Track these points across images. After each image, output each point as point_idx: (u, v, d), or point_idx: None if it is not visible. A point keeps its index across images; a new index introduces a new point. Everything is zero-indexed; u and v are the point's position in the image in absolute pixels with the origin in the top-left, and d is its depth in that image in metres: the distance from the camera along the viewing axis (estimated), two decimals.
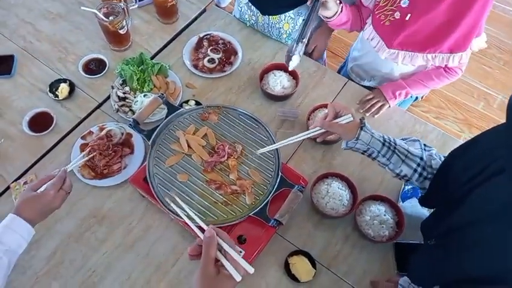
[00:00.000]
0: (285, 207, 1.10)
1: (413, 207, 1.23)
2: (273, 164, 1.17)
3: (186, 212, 0.87)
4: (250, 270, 0.68)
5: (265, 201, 1.10)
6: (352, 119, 1.02)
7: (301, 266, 1.13)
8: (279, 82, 1.42)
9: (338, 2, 1.31)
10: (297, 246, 1.18)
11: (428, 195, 1.02)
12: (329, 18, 1.35)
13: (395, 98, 1.43)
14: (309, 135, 1.07)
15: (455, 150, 0.96)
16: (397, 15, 1.29)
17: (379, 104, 1.44)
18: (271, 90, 1.42)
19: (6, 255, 0.87)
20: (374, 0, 1.36)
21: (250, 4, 1.55)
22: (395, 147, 1.02)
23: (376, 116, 1.43)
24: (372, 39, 1.41)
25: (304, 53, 1.59)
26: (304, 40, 1.19)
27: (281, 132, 1.39)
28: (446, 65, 1.34)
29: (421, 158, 1.02)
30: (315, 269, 1.13)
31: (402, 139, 1.08)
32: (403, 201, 1.26)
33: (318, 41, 1.66)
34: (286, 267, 1.13)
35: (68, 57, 1.51)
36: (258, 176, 1.16)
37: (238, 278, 0.66)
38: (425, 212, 1.21)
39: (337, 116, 1.03)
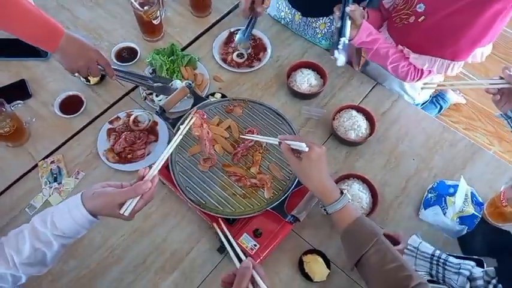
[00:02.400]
0: (303, 204, 1.09)
1: (435, 215, 1.19)
2: None
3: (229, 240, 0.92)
4: None
5: (284, 196, 1.09)
6: None
7: (315, 266, 1.11)
8: (306, 80, 1.42)
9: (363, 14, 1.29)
10: (312, 245, 1.17)
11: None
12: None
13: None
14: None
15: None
16: (412, 19, 1.29)
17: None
18: (297, 87, 1.41)
19: (58, 240, 0.81)
20: (393, 2, 1.36)
21: (288, 2, 1.56)
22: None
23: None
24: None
25: None
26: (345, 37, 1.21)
27: (304, 130, 1.38)
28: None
29: None
30: (329, 269, 1.11)
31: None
32: (425, 209, 1.22)
33: (349, 48, 1.60)
34: (300, 265, 1.12)
35: (102, 44, 1.55)
36: (279, 171, 1.15)
37: None
38: (448, 221, 1.17)
39: None
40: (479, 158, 1.34)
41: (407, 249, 1.03)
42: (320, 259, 1.12)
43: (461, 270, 0.94)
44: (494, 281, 0.89)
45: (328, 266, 1.11)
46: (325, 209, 0.93)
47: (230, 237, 0.96)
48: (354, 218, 0.89)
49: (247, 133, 1.18)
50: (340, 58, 1.21)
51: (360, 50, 1.62)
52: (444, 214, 1.17)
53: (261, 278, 0.74)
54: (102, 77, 1.44)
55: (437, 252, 1.00)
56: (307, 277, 1.11)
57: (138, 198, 0.83)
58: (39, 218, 0.83)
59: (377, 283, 0.83)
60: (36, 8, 1.01)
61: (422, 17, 1.25)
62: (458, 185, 1.20)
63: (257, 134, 1.18)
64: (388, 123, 1.41)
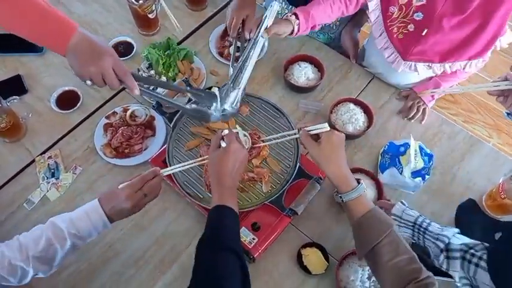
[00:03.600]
0: (301, 197, 1.09)
1: (392, 176, 1.22)
2: (292, 154, 1.17)
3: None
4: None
5: (282, 190, 1.10)
6: None
7: (313, 259, 1.12)
8: (303, 73, 1.41)
9: (293, 18, 1.21)
10: (311, 238, 1.17)
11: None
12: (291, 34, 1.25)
13: (433, 99, 1.39)
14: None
15: None
16: (411, 27, 1.25)
17: (422, 108, 1.38)
18: (295, 81, 1.41)
19: (71, 239, 0.85)
20: (379, 11, 1.29)
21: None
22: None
23: (423, 122, 1.38)
24: (385, 49, 1.36)
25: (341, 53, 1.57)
26: (240, 87, 1.08)
27: (302, 124, 1.37)
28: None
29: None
30: (328, 262, 1.11)
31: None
32: (382, 173, 1.25)
33: (346, 41, 1.59)
34: (299, 258, 1.13)
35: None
36: (277, 165, 1.15)
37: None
38: (405, 179, 1.19)
39: None
40: (477, 150, 1.34)
41: (393, 218, 1.04)
42: (319, 252, 1.12)
43: (437, 242, 0.95)
44: (472, 251, 0.89)
45: (327, 259, 1.12)
46: (340, 197, 0.92)
47: None
48: (368, 209, 0.89)
49: (252, 135, 1.17)
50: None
51: (357, 42, 1.61)
52: (401, 173, 1.20)
53: None
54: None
55: (420, 219, 1.00)
56: (305, 270, 1.11)
57: (136, 179, 0.92)
58: (59, 217, 0.88)
59: (386, 274, 0.83)
60: (46, 2, 0.84)
61: (425, 30, 1.21)
62: (407, 143, 1.23)
63: (259, 137, 1.17)
64: (386, 116, 1.40)
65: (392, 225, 0.87)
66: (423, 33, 1.22)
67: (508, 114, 1.10)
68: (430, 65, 1.30)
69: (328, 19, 1.32)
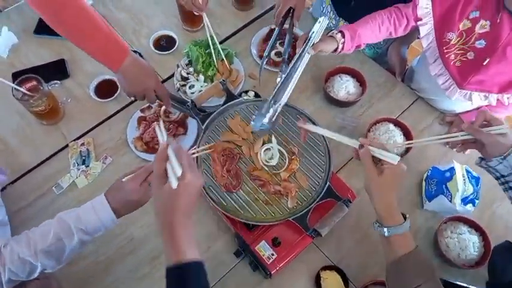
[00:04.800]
0: (327, 218, 1.05)
1: (441, 205, 1.16)
2: (323, 172, 1.12)
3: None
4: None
5: (308, 208, 1.06)
6: (507, 131, 0.91)
7: (332, 282, 1.08)
8: (344, 87, 1.36)
9: (339, 36, 1.17)
10: (332, 261, 1.13)
11: None
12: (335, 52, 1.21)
13: None
14: (448, 139, 1.00)
15: None
16: (471, 55, 1.16)
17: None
18: (334, 94, 1.36)
19: (79, 234, 0.85)
20: (432, 36, 1.21)
21: (333, 6, 1.50)
22: None
23: (467, 152, 1.26)
24: (439, 76, 1.27)
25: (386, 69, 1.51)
26: (280, 103, 1.08)
27: (367, 141, 1.32)
28: None
29: None
30: None
31: None
32: (429, 201, 1.19)
33: (393, 57, 1.51)
34: (317, 280, 1.09)
35: (142, 31, 1.55)
36: (305, 181, 1.11)
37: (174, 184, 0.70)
38: (456, 207, 1.13)
39: (486, 126, 0.94)
40: None
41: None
42: (338, 277, 1.08)
43: None
44: None
45: (346, 285, 1.07)
46: (386, 229, 0.85)
47: None
48: (411, 248, 0.83)
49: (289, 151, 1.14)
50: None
51: (405, 59, 1.53)
52: (450, 201, 1.13)
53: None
54: None
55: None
56: None
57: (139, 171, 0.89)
58: (66, 212, 0.88)
59: None
60: (107, 24, 1.00)
61: (487, 60, 1.12)
62: (452, 168, 1.17)
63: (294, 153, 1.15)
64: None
65: (433, 271, 0.81)
66: (484, 63, 1.14)
67: (481, 159, 1.02)
68: (487, 95, 1.21)
69: (375, 39, 1.27)
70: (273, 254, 1.04)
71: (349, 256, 1.14)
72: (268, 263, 1.02)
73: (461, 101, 1.28)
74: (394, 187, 0.86)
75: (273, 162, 1.14)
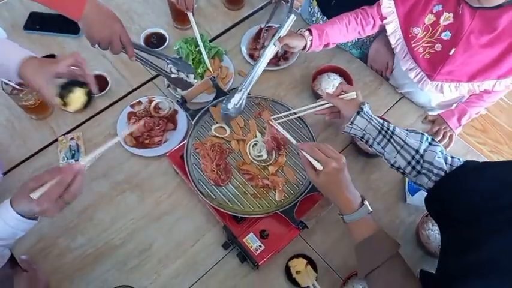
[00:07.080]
0: (314, 211, 1.08)
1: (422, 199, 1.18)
2: None
3: None
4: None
5: (295, 201, 1.08)
6: (355, 96, 1.05)
7: (300, 267, 1.11)
8: (331, 85, 1.39)
9: (306, 34, 1.24)
10: (318, 252, 1.16)
11: (433, 200, 0.95)
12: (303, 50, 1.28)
13: (460, 126, 1.36)
14: (315, 109, 1.12)
15: (486, 164, 0.89)
16: (438, 47, 1.23)
17: (449, 134, 1.35)
18: (322, 92, 1.39)
19: None
20: (399, 33, 1.28)
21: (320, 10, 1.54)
22: (391, 136, 0.98)
23: (448, 149, 1.35)
24: (410, 70, 1.33)
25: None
26: (242, 90, 1.18)
27: (324, 136, 1.36)
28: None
29: (417, 151, 0.96)
30: (316, 273, 1.10)
31: (407, 130, 1.02)
32: (412, 195, 1.21)
33: (377, 58, 1.54)
34: (288, 270, 1.12)
35: (132, 28, 1.56)
36: (292, 175, 1.14)
37: None
38: None
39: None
40: None
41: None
42: (305, 261, 1.11)
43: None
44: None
45: (314, 266, 1.11)
46: (343, 217, 0.92)
47: None
48: (372, 232, 0.87)
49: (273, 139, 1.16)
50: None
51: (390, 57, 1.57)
52: None
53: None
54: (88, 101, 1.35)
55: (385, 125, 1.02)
56: (294, 283, 1.10)
57: (51, 183, 0.79)
58: None
59: None
60: None
61: (453, 50, 1.19)
62: None
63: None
64: None
65: (394, 251, 0.85)
66: (451, 53, 1.20)
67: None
68: (457, 85, 1.27)
69: (344, 39, 1.33)
70: (260, 246, 1.06)
71: (335, 248, 1.16)
72: (256, 254, 1.04)
73: (434, 93, 1.34)
74: (334, 184, 0.91)
75: (263, 157, 1.16)
